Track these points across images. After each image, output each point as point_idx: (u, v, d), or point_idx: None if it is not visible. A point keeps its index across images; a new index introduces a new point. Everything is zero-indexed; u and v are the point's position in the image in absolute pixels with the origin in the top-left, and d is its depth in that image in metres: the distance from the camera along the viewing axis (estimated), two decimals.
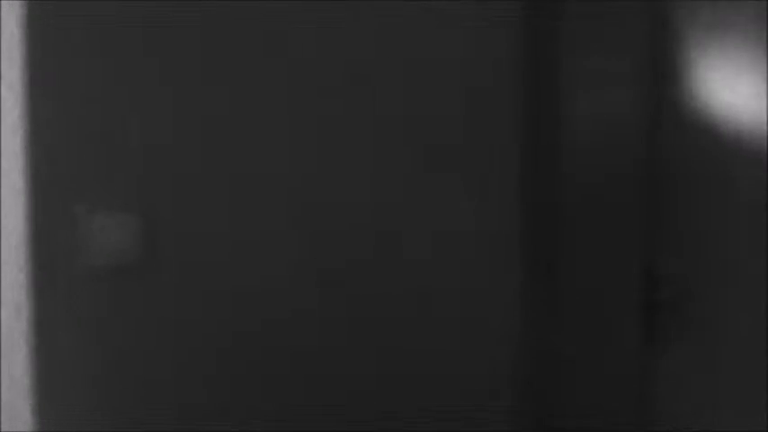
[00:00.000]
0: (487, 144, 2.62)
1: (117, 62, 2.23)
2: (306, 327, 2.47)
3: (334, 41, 2.46)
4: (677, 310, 2.53)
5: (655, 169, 2.57)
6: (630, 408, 2.60)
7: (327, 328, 2.49)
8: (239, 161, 2.39)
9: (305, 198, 2.46)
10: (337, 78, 2.47)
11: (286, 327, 2.44)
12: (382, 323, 2.55)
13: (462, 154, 2.60)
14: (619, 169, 2.57)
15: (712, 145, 2.44)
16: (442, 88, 2.57)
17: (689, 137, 2.50)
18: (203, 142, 2.35)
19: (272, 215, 2.43)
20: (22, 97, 2.11)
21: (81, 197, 2.20)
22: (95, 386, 2.20)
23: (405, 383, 2.57)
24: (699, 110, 2.48)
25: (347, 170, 2.50)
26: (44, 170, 2.14)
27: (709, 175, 2.46)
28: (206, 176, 2.36)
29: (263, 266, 2.42)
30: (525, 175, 2.65)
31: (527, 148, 2.63)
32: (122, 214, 2.22)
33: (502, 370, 2.65)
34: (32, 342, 1.93)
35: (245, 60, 2.38)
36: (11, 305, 2.04)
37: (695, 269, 2.49)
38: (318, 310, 2.48)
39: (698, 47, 2.46)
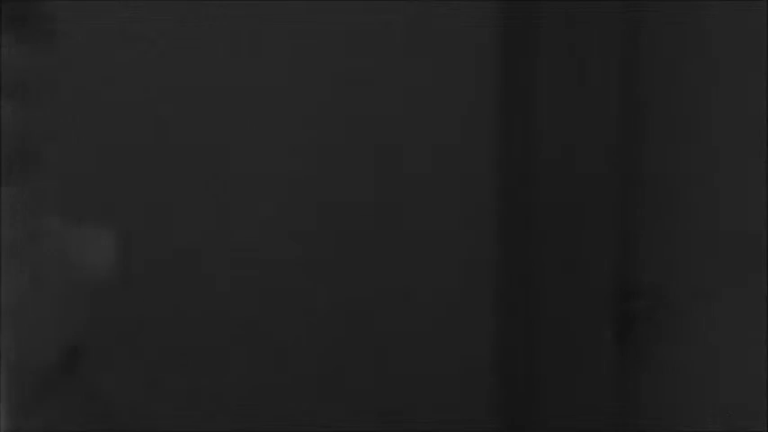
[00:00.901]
0: (463, 148, 2.60)
1: (94, 70, 2.20)
2: (287, 334, 2.47)
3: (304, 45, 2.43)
4: (652, 320, 2.51)
5: (629, 178, 2.55)
6: (605, 419, 2.59)
7: (310, 331, 2.50)
8: (218, 172, 2.38)
9: (285, 208, 2.46)
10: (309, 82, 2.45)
11: (265, 335, 2.43)
12: (359, 324, 2.55)
13: (438, 156, 2.58)
14: (593, 179, 2.56)
15: (688, 152, 2.42)
16: (416, 93, 2.55)
17: (665, 144, 2.48)
18: (182, 155, 2.35)
19: (248, 227, 2.43)
20: None
21: (57, 210, 2.16)
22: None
23: (383, 383, 2.57)
24: (672, 116, 2.45)
25: (323, 174, 2.49)
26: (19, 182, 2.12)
27: (684, 182, 2.44)
28: (182, 190, 2.36)
29: (241, 279, 2.42)
30: (501, 185, 2.63)
31: (502, 157, 2.62)
32: (98, 228, 2.20)
33: (475, 388, 2.63)
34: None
35: (220, 73, 2.37)
36: None
37: (670, 279, 2.47)
38: (302, 314, 2.49)
39: (675, 49, 2.44)
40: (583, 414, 2.59)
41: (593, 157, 2.55)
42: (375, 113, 2.52)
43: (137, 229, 2.31)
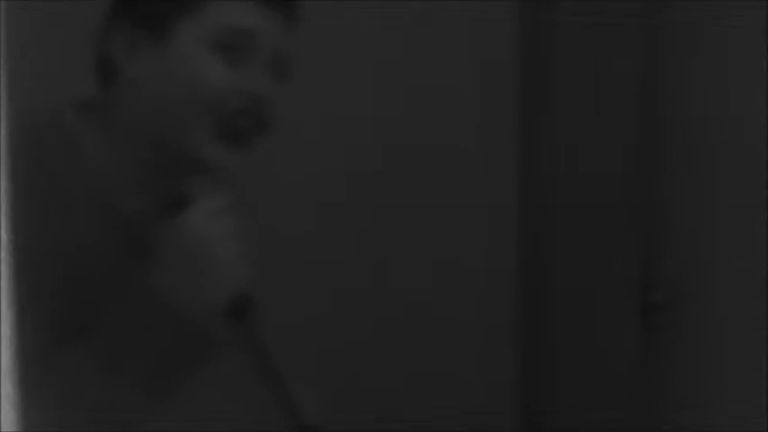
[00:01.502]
0: (486, 143, 2.59)
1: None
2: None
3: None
4: (674, 311, 2.51)
5: (650, 169, 2.55)
6: (627, 409, 2.58)
7: (322, 330, 2.46)
8: None
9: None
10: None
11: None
12: (378, 323, 2.52)
13: (460, 153, 2.56)
14: (614, 170, 2.55)
15: (708, 144, 2.42)
16: (439, 87, 2.53)
17: (685, 135, 2.48)
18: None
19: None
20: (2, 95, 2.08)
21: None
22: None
23: (401, 384, 2.54)
24: (693, 109, 2.45)
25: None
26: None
27: (705, 173, 2.44)
28: None
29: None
30: (522, 177, 2.62)
31: (524, 149, 2.61)
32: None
33: (498, 373, 2.62)
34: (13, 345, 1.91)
35: None
36: None
37: (691, 269, 2.47)
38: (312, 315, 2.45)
39: (690, 47, 2.45)
40: (605, 403, 2.58)
41: (615, 150, 2.56)
42: (395, 114, 2.52)
43: None
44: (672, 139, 2.51)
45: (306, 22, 1.43)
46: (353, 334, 2.49)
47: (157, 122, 1.37)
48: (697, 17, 2.38)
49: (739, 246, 2.32)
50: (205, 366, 1.38)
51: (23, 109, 1.23)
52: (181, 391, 1.38)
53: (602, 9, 2.50)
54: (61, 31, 2.11)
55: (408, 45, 2.50)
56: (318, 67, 2.38)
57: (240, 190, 1.37)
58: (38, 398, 1.23)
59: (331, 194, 2.46)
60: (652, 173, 2.55)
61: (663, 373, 2.56)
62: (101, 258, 1.37)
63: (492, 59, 2.58)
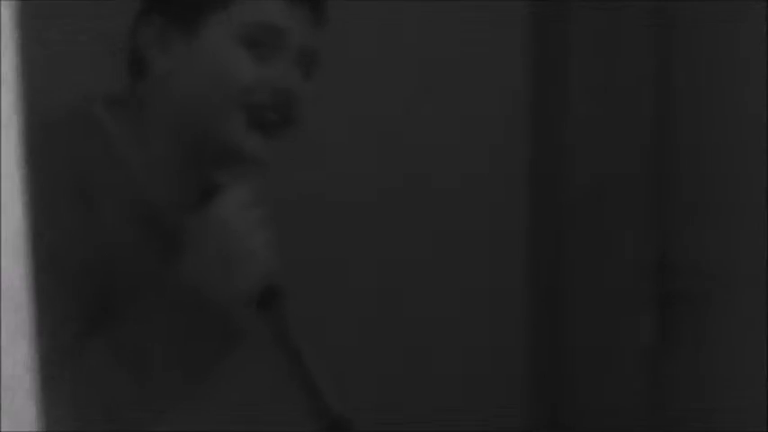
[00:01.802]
0: (496, 131, 2.61)
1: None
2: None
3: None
4: (692, 300, 2.51)
5: (668, 157, 2.55)
6: (644, 402, 2.58)
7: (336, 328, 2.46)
8: None
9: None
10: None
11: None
12: (389, 322, 2.53)
13: (470, 146, 2.58)
14: (631, 157, 2.56)
15: (726, 133, 2.44)
16: (450, 85, 2.55)
17: (703, 125, 2.50)
18: None
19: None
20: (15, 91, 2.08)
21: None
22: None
23: (415, 382, 2.55)
24: (708, 105, 2.47)
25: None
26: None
27: (724, 163, 2.45)
28: None
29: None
30: (535, 165, 2.63)
31: (537, 137, 2.63)
32: None
33: (512, 366, 2.64)
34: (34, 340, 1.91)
35: None
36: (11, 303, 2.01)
37: (711, 258, 2.48)
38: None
39: (699, 45, 2.47)
40: (620, 394, 2.59)
41: (632, 143, 2.57)
42: (411, 114, 2.54)
43: None
44: (690, 127, 2.52)
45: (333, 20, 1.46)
46: (369, 331, 2.51)
47: (188, 115, 1.39)
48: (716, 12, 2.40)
49: (760, 235, 2.32)
50: (230, 356, 1.39)
51: (43, 103, 1.25)
52: (208, 381, 1.39)
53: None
54: (77, 27, 2.13)
55: (422, 44, 2.52)
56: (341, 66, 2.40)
57: (269, 181, 1.39)
58: (60, 393, 1.24)
59: (349, 192, 2.49)
60: (669, 162, 2.55)
61: (682, 367, 2.56)
62: (129, 250, 1.39)
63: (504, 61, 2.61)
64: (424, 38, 2.52)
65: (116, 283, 1.36)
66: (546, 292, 2.66)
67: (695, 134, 2.52)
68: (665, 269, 2.56)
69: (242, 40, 1.37)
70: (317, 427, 1.33)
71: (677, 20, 2.50)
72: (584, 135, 2.61)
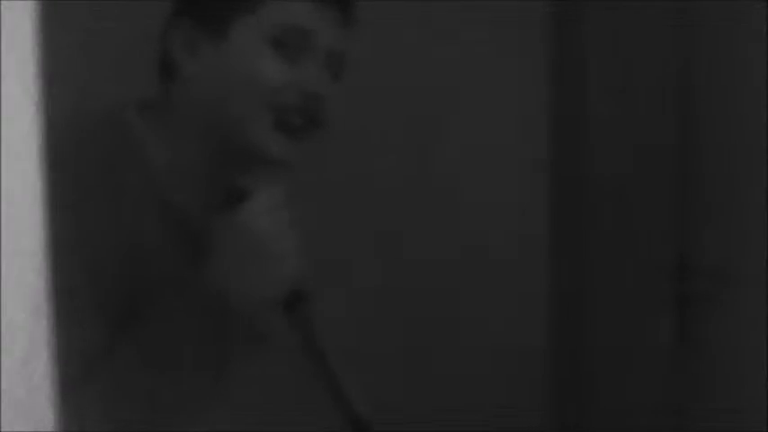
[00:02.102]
0: (517, 132, 2.62)
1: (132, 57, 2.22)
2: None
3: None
4: (711, 301, 2.50)
5: (687, 158, 2.56)
6: (663, 402, 2.59)
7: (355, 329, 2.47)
8: None
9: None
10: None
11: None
12: (411, 323, 2.53)
13: (490, 147, 2.59)
14: (651, 158, 2.57)
15: (746, 134, 2.43)
16: (470, 87, 2.56)
17: (723, 126, 2.49)
18: None
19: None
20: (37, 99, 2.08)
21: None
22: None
23: (438, 382, 2.56)
24: (731, 100, 2.46)
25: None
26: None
27: (744, 164, 2.45)
28: None
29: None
30: (555, 166, 2.64)
31: (558, 138, 2.63)
32: None
33: (533, 366, 2.64)
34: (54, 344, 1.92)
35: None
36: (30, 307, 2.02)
37: (730, 260, 2.47)
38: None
39: (719, 44, 2.46)
40: (640, 394, 2.59)
41: (651, 145, 2.57)
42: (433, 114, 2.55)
43: None
44: (709, 130, 2.52)
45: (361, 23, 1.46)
46: (391, 332, 2.51)
47: (218, 117, 1.39)
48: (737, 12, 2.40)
49: None
50: (254, 357, 1.40)
51: (72, 109, 1.25)
52: (232, 383, 1.40)
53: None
54: (102, 33, 2.13)
55: (442, 45, 2.53)
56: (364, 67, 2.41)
57: (297, 184, 1.39)
58: (84, 393, 1.24)
59: (370, 193, 2.49)
60: (689, 163, 2.56)
61: (701, 367, 2.56)
62: (157, 253, 1.39)
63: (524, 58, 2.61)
64: (443, 39, 2.52)
65: (143, 286, 1.36)
66: (566, 292, 2.66)
67: (715, 135, 2.52)
68: (684, 270, 2.57)
69: (270, 42, 1.37)
70: (342, 428, 1.34)
71: (697, 19, 2.50)
72: (604, 136, 2.61)
